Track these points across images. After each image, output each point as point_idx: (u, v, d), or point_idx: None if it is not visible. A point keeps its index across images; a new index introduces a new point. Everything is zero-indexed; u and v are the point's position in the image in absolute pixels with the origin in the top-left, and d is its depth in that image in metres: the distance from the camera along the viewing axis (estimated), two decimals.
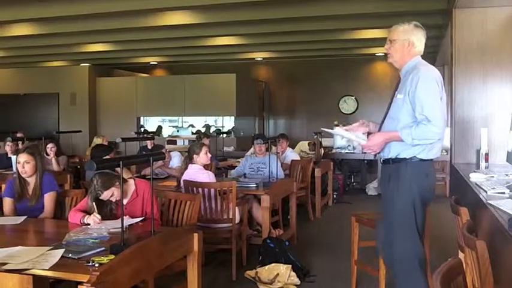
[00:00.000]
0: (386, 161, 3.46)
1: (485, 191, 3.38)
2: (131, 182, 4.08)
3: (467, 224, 2.56)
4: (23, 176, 4.18)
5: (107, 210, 3.85)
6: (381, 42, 11.12)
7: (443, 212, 5.29)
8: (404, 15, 8.63)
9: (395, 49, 3.43)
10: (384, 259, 3.82)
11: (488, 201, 2.98)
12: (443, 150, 9.45)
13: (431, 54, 12.77)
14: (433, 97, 3.25)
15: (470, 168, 4.62)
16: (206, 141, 8.10)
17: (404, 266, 3.39)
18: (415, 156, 3.33)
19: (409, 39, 3.39)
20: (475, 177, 3.99)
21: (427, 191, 3.42)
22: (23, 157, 4.17)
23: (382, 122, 3.52)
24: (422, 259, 3.38)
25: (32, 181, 4.22)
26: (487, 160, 4.83)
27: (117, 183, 3.75)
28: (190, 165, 5.42)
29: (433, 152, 3.38)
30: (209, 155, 5.52)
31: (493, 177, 4.05)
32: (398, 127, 3.33)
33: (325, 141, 10.00)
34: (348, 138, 3.55)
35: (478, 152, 4.98)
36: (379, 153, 3.51)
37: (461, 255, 3.32)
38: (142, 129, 13.98)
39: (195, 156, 5.41)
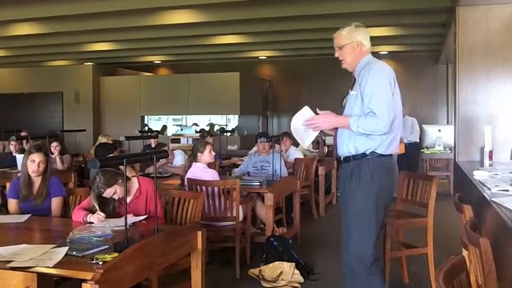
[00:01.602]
0: (347, 159, 3.46)
1: (489, 189, 3.36)
2: (134, 180, 4.09)
3: (471, 221, 2.56)
4: (34, 175, 4.17)
5: (110, 208, 3.86)
6: (384, 40, 11.17)
7: (447, 210, 5.29)
8: (408, 13, 8.65)
9: (347, 53, 3.45)
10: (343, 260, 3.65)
11: (492, 199, 2.97)
12: (447, 148, 9.47)
13: (435, 53, 12.76)
14: (381, 92, 3.27)
15: (474, 166, 4.61)
16: (210, 139, 8.11)
17: (359, 268, 3.36)
18: (374, 152, 3.34)
19: (357, 40, 3.43)
20: (478, 175, 3.98)
21: (389, 188, 3.44)
22: (40, 157, 4.16)
23: None
24: (377, 261, 3.38)
25: (38, 180, 4.21)
26: (491, 158, 4.81)
27: (120, 180, 3.76)
28: (194, 163, 5.43)
29: (391, 147, 3.39)
30: (213, 153, 5.53)
31: (497, 174, 4.04)
32: None
33: (329, 140, 9.97)
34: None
35: (482, 149, 4.97)
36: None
37: (465, 253, 3.32)
38: (146, 128, 14.01)
39: (199, 154, 5.41)
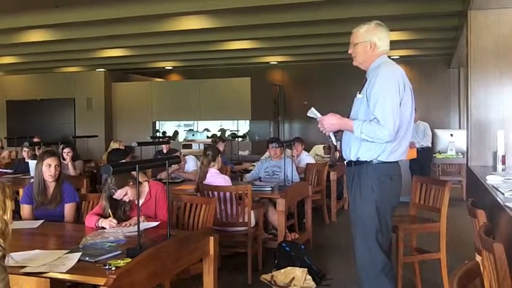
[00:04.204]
0: (349, 164, 3.43)
1: (503, 194, 3.34)
2: (145, 184, 4.11)
3: (484, 226, 2.54)
4: (51, 179, 4.22)
5: (121, 212, 3.87)
6: (396, 44, 11.13)
7: (460, 215, 5.26)
8: (420, 17, 8.63)
9: (358, 52, 3.39)
10: None
11: (506, 204, 2.95)
12: (460, 153, 9.41)
13: (446, 57, 12.71)
14: (388, 98, 3.18)
15: (487, 171, 4.58)
16: (221, 145, 8.11)
17: (367, 275, 3.34)
18: (375, 159, 3.28)
19: (371, 40, 3.34)
20: (492, 180, 3.95)
21: (391, 195, 3.36)
22: (55, 161, 4.23)
23: None
24: (386, 268, 3.31)
25: (52, 185, 4.26)
26: (504, 162, 4.78)
27: (131, 183, 3.78)
28: (209, 169, 5.43)
29: (395, 155, 3.31)
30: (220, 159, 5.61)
31: (510, 179, 4.01)
32: None
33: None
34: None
35: (495, 154, 4.94)
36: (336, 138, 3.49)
37: (478, 258, 3.29)
38: (160, 133, 14.05)
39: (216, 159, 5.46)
